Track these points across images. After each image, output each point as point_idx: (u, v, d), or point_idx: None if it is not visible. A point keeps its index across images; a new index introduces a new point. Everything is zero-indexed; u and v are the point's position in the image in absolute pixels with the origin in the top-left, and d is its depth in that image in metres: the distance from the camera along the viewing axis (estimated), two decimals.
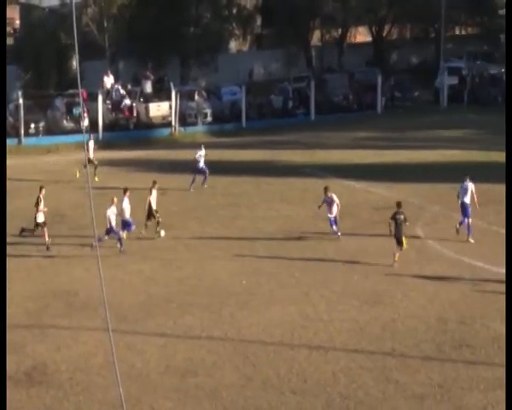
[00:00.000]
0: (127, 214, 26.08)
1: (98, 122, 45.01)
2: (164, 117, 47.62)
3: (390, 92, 52.75)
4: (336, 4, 61.21)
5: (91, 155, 35.97)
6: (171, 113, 47.04)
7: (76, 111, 45.13)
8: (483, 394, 16.51)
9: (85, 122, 44.36)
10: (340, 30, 63.35)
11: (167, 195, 32.27)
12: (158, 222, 27.08)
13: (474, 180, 32.34)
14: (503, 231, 26.35)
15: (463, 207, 26.09)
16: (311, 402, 16.48)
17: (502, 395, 16.40)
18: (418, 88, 53.83)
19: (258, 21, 64.10)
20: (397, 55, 64.63)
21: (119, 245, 25.40)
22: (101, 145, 41.86)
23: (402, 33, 66.01)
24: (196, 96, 49.03)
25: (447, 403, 16.26)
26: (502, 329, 19.44)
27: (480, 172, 34.08)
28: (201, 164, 33.68)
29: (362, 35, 65.75)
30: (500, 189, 28.24)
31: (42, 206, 26.22)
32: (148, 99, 48.24)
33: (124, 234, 25.97)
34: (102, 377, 17.18)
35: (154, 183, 27.85)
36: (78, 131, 42.96)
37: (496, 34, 63.72)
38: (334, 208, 26.30)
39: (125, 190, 26.29)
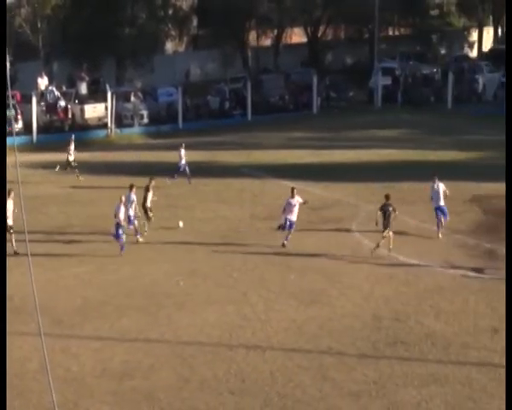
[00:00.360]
0: (132, 210, 26.45)
1: (32, 124, 44.47)
2: (100, 118, 47.27)
3: (325, 92, 53.19)
4: (271, 5, 61.52)
5: (72, 156, 35.51)
6: (106, 114, 46.72)
7: (9, 113, 44.47)
8: (417, 390, 16.76)
9: (19, 124, 43.85)
10: (275, 31, 63.70)
11: (106, 198, 32.10)
12: (149, 219, 27.70)
13: (408, 179, 33.02)
14: (435, 228, 26.85)
15: (440, 210, 26.42)
16: (249, 402, 16.55)
17: (435, 390, 16.74)
18: (353, 88, 54.38)
19: (195, 22, 64.08)
20: (332, 56, 65.24)
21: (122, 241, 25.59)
22: (36, 147, 41.41)
23: (336, 34, 66.69)
24: (132, 98, 48.79)
25: (382, 399, 16.49)
26: (435, 325, 19.82)
27: (414, 172, 34.74)
28: (181, 163, 33.93)
29: (297, 36, 66.22)
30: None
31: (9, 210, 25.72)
32: (83, 100, 47.83)
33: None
34: (38, 381, 17.00)
35: (151, 180, 28.19)
36: (11, 133, 42.31)
37: (427, 34, 64.88)
38: (296, 210, 25.88)
39: (131, 187, 26.53)
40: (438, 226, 26.47)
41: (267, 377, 17.44)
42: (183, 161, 34.15)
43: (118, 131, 46.65)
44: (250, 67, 61.08)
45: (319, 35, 64.31)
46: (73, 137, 37.13)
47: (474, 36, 69.17)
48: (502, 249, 25.11)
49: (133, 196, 26.45)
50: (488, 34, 69.08)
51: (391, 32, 69.71)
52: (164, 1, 58.79)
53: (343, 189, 32.41)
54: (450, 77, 50.94)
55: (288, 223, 25.77)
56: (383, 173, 34.77)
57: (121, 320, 20.49)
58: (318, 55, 63.40)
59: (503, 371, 17.38)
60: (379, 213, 24.75)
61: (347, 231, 27.34)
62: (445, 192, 26.72)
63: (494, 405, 16.22)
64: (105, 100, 46.75)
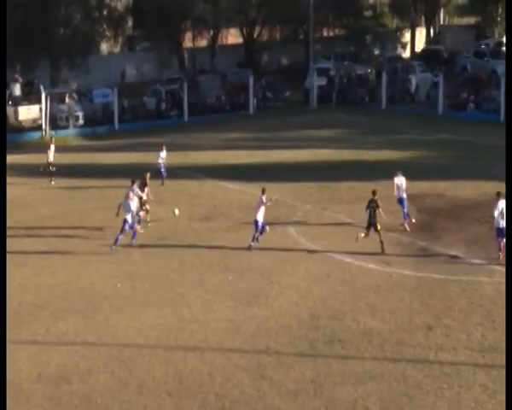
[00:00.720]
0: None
1: None
2: (34, 120, 46.74)
3: (262, 93, 53.40)
4: (207, 6, 61.51)
5: (51, 157, 34.87)
6: (41, 116, 46.21)
7: None
8: (354, 387, 16.98)
9: None
10: (211, 31, 63.71)
11: (42, 201, 31.78)
12: (147, 211, 28.41)
13: (344, 179, 33.39)
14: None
15: (401, 201, 27.37)
16: (188, 403, 16.59)
17: (371, 387, 16.96)
18: (289, 88, 54.68)
19: (130, 23, 63.72)
20: (268, 56, 65.52)
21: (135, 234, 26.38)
22: None
23: (272, 35, 66.94)
24: (67, 99, 48.34)
25: (320, 398, 16.66)
26: (371, 323, 20.08)
27: (350, 171, 35.12)
28: (161, 164, 33.88)
29: (233, 36, 66.35)
30: (370, 186, 29.13)
31: None
32: (17, 102, 47.28)
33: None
34: None
35: (146, 175, 28.96)
36: None
37: (361, 35, 65.59)
38: (263, 208, 25.82)
39: (133, 182, 27.39)
40: (404, 215, 27.41)
41: (205, 378, 17.50)
42: (161, 165, 34.03)
43: (53, 132, 46.13)
44: (186, 68, 60.99)
45: (255, 36, 64.55)
46: (53, 138, 36.59)
47: (407, 36, 70.17)
48: (435, 247, 25.63)
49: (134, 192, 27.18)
50: (420, 34, 70.16)
51: (325, 33, 70.27)
52: (98, 1, 58.30)
53: (280, 189, 32.55)
54: (384, 77, 51.57)
55: (260, 226, 25.64)
56: (320, 173, 35.08)
57: (58, 324, 20.32)
58: (254, 56, 63.64)
59: (437, 368, 17.76)
60: (367, 210, 25.27)
61: (284, 230, 27.50)
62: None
63: (429, 401, 16.52)
64: (39, 101, 46.24)
